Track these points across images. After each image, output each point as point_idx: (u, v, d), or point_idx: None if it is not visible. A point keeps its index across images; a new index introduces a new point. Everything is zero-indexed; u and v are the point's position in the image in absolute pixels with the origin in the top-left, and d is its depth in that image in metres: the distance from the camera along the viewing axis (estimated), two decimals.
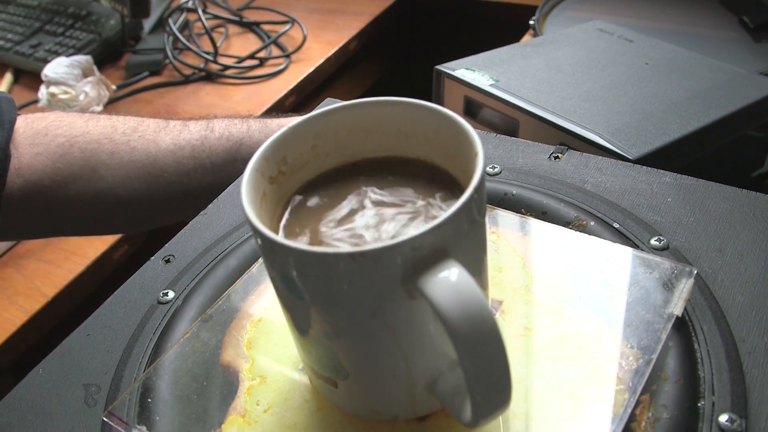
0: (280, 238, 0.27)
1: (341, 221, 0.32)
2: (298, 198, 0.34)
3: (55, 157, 0.61)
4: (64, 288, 0.83)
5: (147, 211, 0.65)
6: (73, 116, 0.65)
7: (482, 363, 0.27)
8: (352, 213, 0.32)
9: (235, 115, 0.69)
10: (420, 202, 0.32)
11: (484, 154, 0.29)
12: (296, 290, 0.28)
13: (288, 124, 0.68)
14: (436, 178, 0.33)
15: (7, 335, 0.78)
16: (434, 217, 0.31)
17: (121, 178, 0.62)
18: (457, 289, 0.26)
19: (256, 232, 0.27)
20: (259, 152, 0.32)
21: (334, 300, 0.28)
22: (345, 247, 0.26)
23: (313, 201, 0.34)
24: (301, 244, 0.26)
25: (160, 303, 0.44)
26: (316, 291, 0.28)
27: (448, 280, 0.27)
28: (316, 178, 0.35)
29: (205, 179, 0.64)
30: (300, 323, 0.31)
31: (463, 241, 0.28)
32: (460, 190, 0.32)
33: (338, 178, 0.35)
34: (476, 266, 0.30)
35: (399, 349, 0.30)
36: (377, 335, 0.29)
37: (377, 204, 0.33)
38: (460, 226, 0.28)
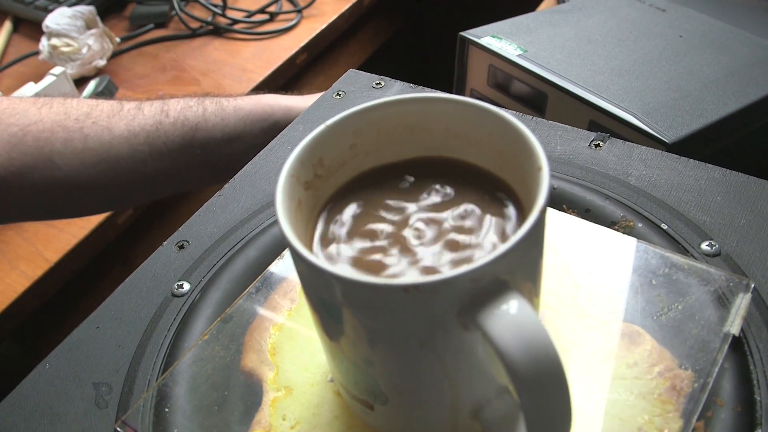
0: (326, 264, 0.24)
1: (381, 233, 0.29)
2: (333, 205, 0.31)
3: (9, 147, 0.58)
4: (68, 253, 0.80)
5: (104, 197, 0.63)
6: (26, 103, 0.62)
7: (544, 405, 0.24)
8: (392, 223, 0.29)
9: (192, 95, 0.67)
10: (471, 214, 0.29)
11: (549, 167, 0.26)
12: (338, 317, 0.26)
13: (245, 106, 0.66)
14: (488, 186, 0.30)
15: (9, 301, 0.75)
16: (485, 232, 0.28)
17: (77, 167, 0.60)
18: (519, 326, 0.24)
19: (297, 256, 0.25)
20: (293, 155, 0.29)
21: (381, 330, 0.25)
22: (397, 278, 0.23)
23: (351, 208, 0.31)
24: (348, 272, 0.23)
25: (174, 296, 0.41)
26: (362, 320, 0.25)
27: (509, 313, 0.24)
28: (354, 181, 0.32)
29: (160, 165, 0.63)
30: (337, 345, 0.28)
31: (525, 268, 0.26)
32: (516, 202, 0.29)
33: (378, 181, 0.32)
34: (534, 289, 0.28)
35: (446, 378, 0.28)
36: (424, 365, 0.27)
37: (422, 212, 0.30)
38: (524, 254, 0.25)
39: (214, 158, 0.64)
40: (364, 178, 0.32)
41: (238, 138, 0.65)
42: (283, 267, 0.40)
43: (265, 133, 0.65)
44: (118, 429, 0.34)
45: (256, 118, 0.65)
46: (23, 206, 0.62)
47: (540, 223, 0.25)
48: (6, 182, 0.58)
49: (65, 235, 0.82)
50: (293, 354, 0.36)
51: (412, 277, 0.24)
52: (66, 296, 0.83)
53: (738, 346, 0.35)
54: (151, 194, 0.67)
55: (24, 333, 0.81)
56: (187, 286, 0.41)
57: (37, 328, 0.82)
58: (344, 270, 0.24)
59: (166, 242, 0.45)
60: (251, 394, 0.35)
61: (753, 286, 0.36)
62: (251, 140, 0.65)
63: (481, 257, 0.23)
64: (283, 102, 0.67)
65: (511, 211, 0.29)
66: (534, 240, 0.25)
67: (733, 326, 0.34)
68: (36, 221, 0.83)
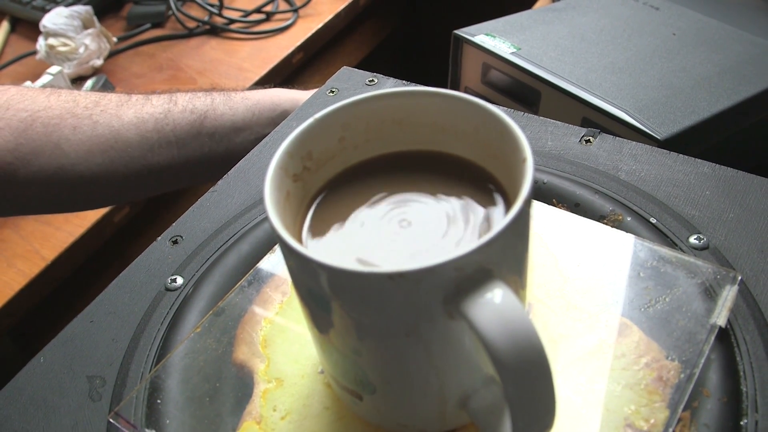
0: (312, 253, 0.24)
1: (369, 224, 0.29)
2: (322, 197, 0.31)
3: (17, 132, 0.58)
4: (64, 251, 0.80)
5: (109, 187, 0.63)
6: (34, 91, 0.62)
7: (528, 393, 0.25)
8: (381, 215, 0.30)
9: (198, 89, 0.67)
10: (457, 206, 0.29)
11: (533, 159, 0.26)
12: (326, 307, 0.26)
13: (253, 96, 0.65)
14: (475, 178, 0.31)
15: (6, 299, 0.76)
16: (471, 223, 0.29)
17: (84, 154, 0.60)
18: (503, 314, 0.24)
19: (284, 246, 0.25)
20: (282, 148, 0.29)
21: (368, 319, 0.26)
22: (383, 267, 0.24)
23: (338, 200, 0.31)
24: (334, 260, 0.24)
25: (168, 290, 0.41)
26: (349, 310, 0.26)
27: (493, 302, 0.24)
28: (343, 174, 0.32)
29: (169, 154, 0.63)
30: (325, 336, 0.29)
31: (510, 258, 0.26)
32: (502, 194, 0.30)
33: (366, 174, 0.32)
34: (519, 281, 0.28)
35: (432, 368, 0.28)
36: (410, 354, 0.27)
37: (409, 205, 0.30)
38: (508, 243, 0.25)
39: (222, 148, 0.64)
40: (353, 171, 0.32)
41: (247, 127, 0.65)
42: (275, 261, 0.41)
43: (273, 122, 0.65)
44: (112, 421, 0.35)
45: (264, 107, 0.65)
46: (26, 196, 0.61)
47: (524, 214, 0.26)
48: (13, 169, 0.58)
49: (62, 233, 0.82)
50: (284, 346, 0.36)
51: (397, 265, 0.25)
52: (62, 294, 0.84)
53: (725, 337, 0.35)
54: (157, 186, 0.66)
55: (20, 331, 0.81)
56: (180, 280, 0.42)
57: (34, 326, 0.83)
58: (330, 259, 0.24)
59: (159, 237, 0.45)
60: (242, 385, 0.35)
61: (740, 278, 0.36)
62: (260, 129, 0.65)
63: (466, 246, 0.24)
64: (291, 94, 0.67)
65: (497, 202, 0.29)
66: (519, 230, 0.26)
67: (720, 318, 0.35)
68: (39, 214, 0.83)
